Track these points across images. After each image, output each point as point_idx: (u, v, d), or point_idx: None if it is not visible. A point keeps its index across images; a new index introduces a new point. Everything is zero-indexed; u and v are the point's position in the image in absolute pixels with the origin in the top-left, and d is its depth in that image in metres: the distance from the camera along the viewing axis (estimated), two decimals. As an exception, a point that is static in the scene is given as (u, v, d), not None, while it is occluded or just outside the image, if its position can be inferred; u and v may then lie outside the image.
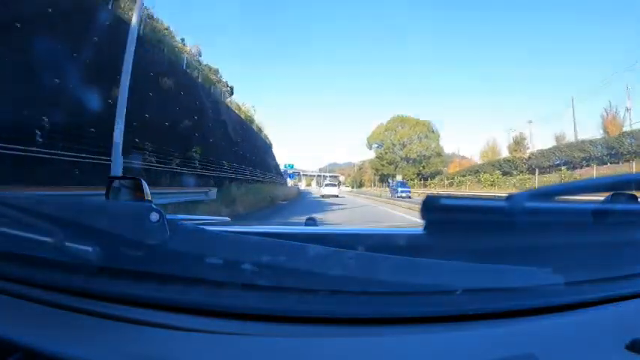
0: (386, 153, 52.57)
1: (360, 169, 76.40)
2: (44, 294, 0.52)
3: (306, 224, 1.02)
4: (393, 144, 51.80)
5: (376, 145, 54.67)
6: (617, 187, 0.43)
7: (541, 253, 0.54)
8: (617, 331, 0.47)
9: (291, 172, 63.22)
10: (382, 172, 53.81)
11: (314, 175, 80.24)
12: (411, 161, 50.23)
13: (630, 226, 0.39)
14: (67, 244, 0.49)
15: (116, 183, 1.09)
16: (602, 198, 0.83)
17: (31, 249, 0.50)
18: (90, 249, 0.49)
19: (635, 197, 0.92)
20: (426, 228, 0.50)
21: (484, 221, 0.44)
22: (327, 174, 79.37)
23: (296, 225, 0.96)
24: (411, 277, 0.48)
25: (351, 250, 0.53)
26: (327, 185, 27.81)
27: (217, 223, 1.00)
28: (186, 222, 0.50)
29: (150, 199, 1.10)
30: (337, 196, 23.54)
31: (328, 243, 0.53)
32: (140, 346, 0.46)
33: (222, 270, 0.54)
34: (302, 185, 73.11)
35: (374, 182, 59.94)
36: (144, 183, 1.11)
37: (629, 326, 0.48)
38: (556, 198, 0.41)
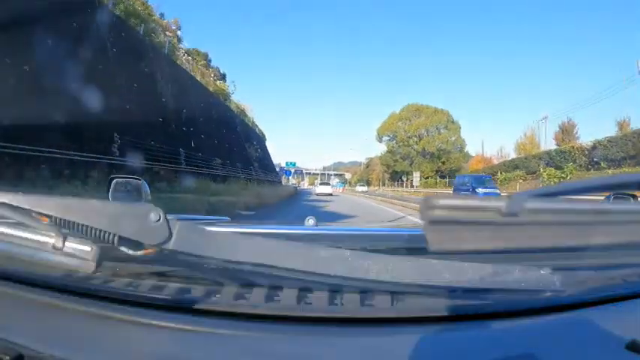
0: (399, 146, 45.50)
1: (366, 166, 68.75)
2: (44, 294, 0.52)
3: (306, 224, 1.02)
4: (408, 136, 44.09)
5: (388, 138, 47.10)
6: (618, 187, 0.43)
7: (541, 253, 0.54)
8: (617, 331, 0.47)
9: (292, 169, 59.93)
10: (394, 169, 46.60)
11: (317, 174, 75.60)
12: (428, 156, 42.83)
13: (630, 226, 0.39)
14: (67, 244, 0.49)
15: (116, 183, 1.09)
16: (602, 198, 0.83)
17: (31, 249, 0.50)
18: (90, 249, 0.49)
19: (636, 197, 0.92)
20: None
21: (484, 221, 0.44)
22: (332, 172, 75.33)
23: (296, 225, 0.95)
24: (411, 277, 0.48)
25: (351, 250, 0.53)
26: (320, 184, 32.07)
27: (217, 223, 1.00)
28: (186, 222, 0.50)
29: (150, 198, 1.10)
30: (331, 195, 25.64)
31: (328, 243, 0.53)
32: (140, 346, 0.46)
33: (222, 270, 0.54)
34: (305, 184, 68.94)
35: (383, 181, 53.14)
36: (144, 183, 1.11)
37: (629, 326, 0.48)
38: (556, 198, 0.41)
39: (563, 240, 0.36)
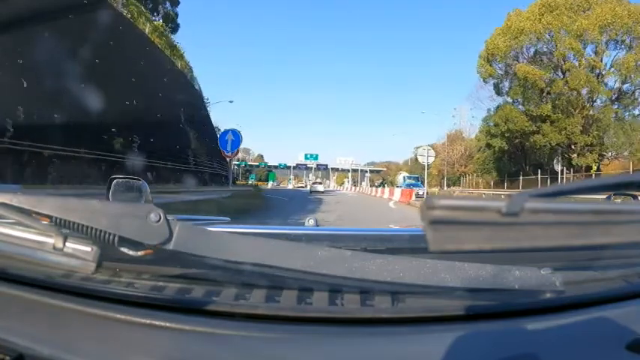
0: (552, 80, 18.17)
1: (415, 160, 43.41)
2: (44, 294, 0.52)
3: (306, 224, 1.02)
4: (580, 41, 17.46)
5: (512, 59, 19.83)
6: (618, 187, 0.43)
7: (541, 253, 0.54)
8: (617, 331, 0.47)
9: (312, 164, 50.05)
10: (531, 141, 19.47)
11: (347, 170, 60.14)
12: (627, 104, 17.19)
13: (630, 226, 0.39)
14: (67, 244, 0.49)
15: (116, 183, 1.09)
16: (602, 198, 0.83)
17: (31, 249, 0.50)
18: (90, 249, 0.49)
19: (636, 197, 0.93)
20: None
21: (484, 222, 0.45)
22: (367, 168, 60.97)
23: (296, 225, 0.96)
24: (411, 277, 0.48)
25: (351, 250, 0.53)
26: (313, 184, 34.91)
27: (217, 223, 1.01)
28: (186, 222, 0.50)
29: (150, 198, 1.10)
30: (323, 192, 26.58)
31: (328, 243, 0.53)
32: (140, 346, 0.46)
33: (222, 270, 0.54)
34: (330, 184, 56.27)
35: (450, 179, 31.78)
36: (144, 183, 1.12)
37: (629, 326, 0.48)
38: (556, 198, 0.41)
39: (563, 240, 0.36)
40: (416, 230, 0.76)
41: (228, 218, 1.20)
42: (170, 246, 0.46)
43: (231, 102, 32.15)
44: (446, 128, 38.87)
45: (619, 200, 0.89)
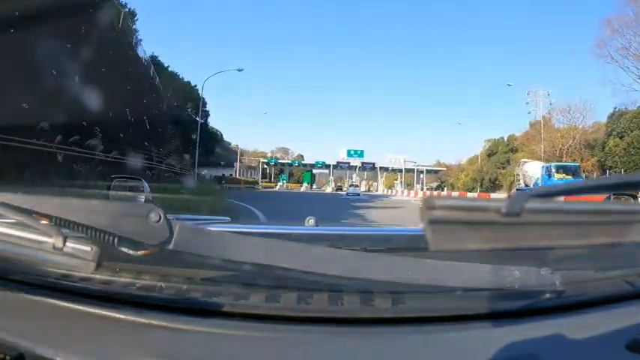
0: None
1: (490, 154, 34.55)
2: (44, 294, 0.52)
3: (306, 224, 1.02)
4: None
5: None
6: (618, 187, 0.43)
7: (541, 253, 0.54)
8: (617, 331, 0.47)
9: (356, 162, 42.47)
10: None
11: (399, 170, 46.30)
12: None
13: (630, 226, 0.39)
14: (67, 243, 0.49)
15: (117, 182, 1.09)
16: (602, 198, 0.83)
17: (31, 249, 0.50)
18: (89, 249, 0.49)
19: (636, 197, 0.93)
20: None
21: (484, 221, 0.45)
22: (424, 167, 45.66)
23: (296, 225, 0.96)
24: (411, 277, 0.48)
25: (351, 250, 0.53)
26: (350, 186, 35.18)
27: (217, 223, 1.01)
28: (186, 222, 0.50)
29: (150, 198, 1.10)
30: (359, 195, 27.15)
31: (328, 243, 0.53)
32: (140, 347, 0.46)
33: (222, 270, 0.54)
34: (377, 187, 45.57)
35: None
36: (144, 183, 1.12)
37: (629, 326, 0.48)
38: (556, 198, 0.41)
39: (563, 240, 0.36)
40: (416, 230, 0.76)
41: (228, 218, 1.20)
42: (170, 246, 0.46)
43: (240, 70, 26.59)
44: (526, 117, 29.17)
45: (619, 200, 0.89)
